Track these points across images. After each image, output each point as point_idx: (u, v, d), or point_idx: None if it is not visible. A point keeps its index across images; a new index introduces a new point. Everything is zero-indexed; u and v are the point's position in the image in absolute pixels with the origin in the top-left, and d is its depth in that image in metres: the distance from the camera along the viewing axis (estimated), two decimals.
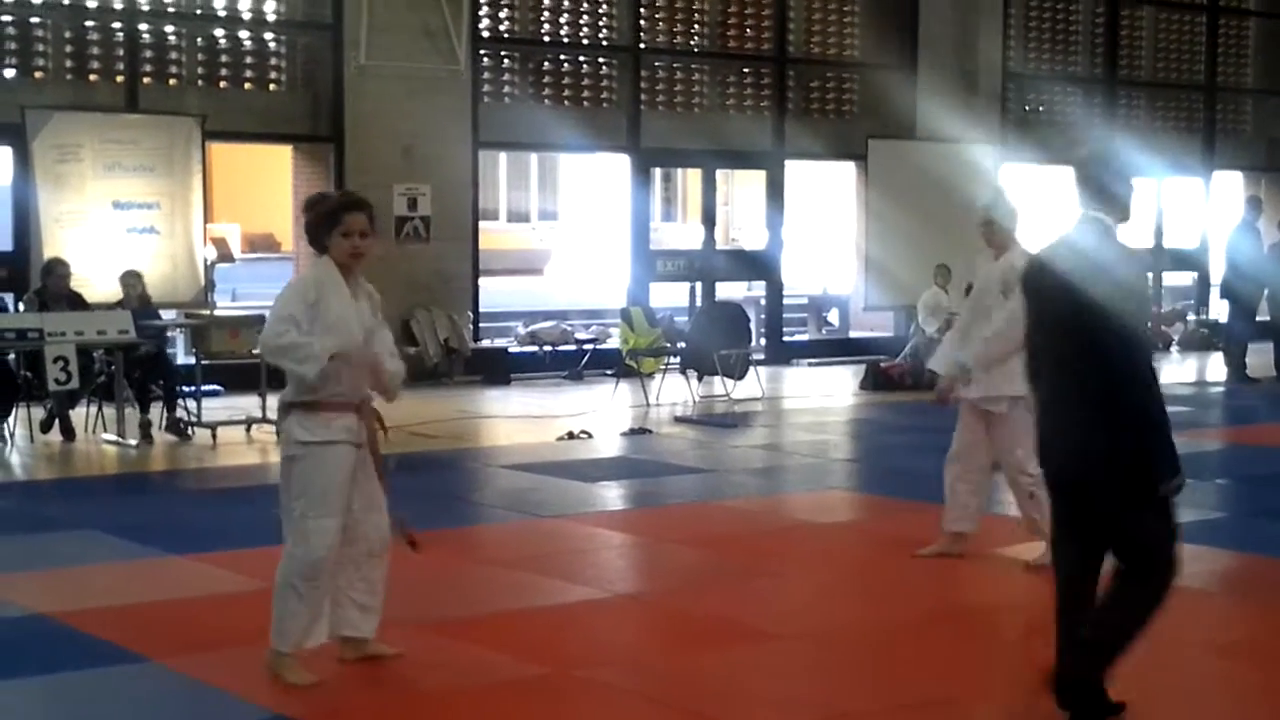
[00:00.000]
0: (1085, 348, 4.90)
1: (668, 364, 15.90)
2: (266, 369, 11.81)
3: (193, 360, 12.90)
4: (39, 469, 11.14)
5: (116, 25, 15.03)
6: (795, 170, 19.51)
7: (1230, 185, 22.96)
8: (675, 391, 15.13)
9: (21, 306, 12.68)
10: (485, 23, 16.94)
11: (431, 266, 16.03)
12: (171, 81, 15.42)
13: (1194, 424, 12.97)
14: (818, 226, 22.07)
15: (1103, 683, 4.98)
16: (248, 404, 12.74)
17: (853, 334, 20.20)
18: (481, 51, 16.88)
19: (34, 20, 14.76)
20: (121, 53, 15.06)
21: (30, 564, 7.74)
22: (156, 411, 12.33)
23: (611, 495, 10.07)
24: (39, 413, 12.20)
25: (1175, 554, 5.03)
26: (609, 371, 16.36)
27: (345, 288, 5.62)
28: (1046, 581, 7.48)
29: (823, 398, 15.51)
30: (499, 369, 16.48)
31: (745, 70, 18.94)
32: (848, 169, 19.59)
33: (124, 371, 12.00)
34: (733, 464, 11.33)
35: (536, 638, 6.42)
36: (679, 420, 13.63)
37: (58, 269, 12.50)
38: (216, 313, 14.30)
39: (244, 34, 15.79)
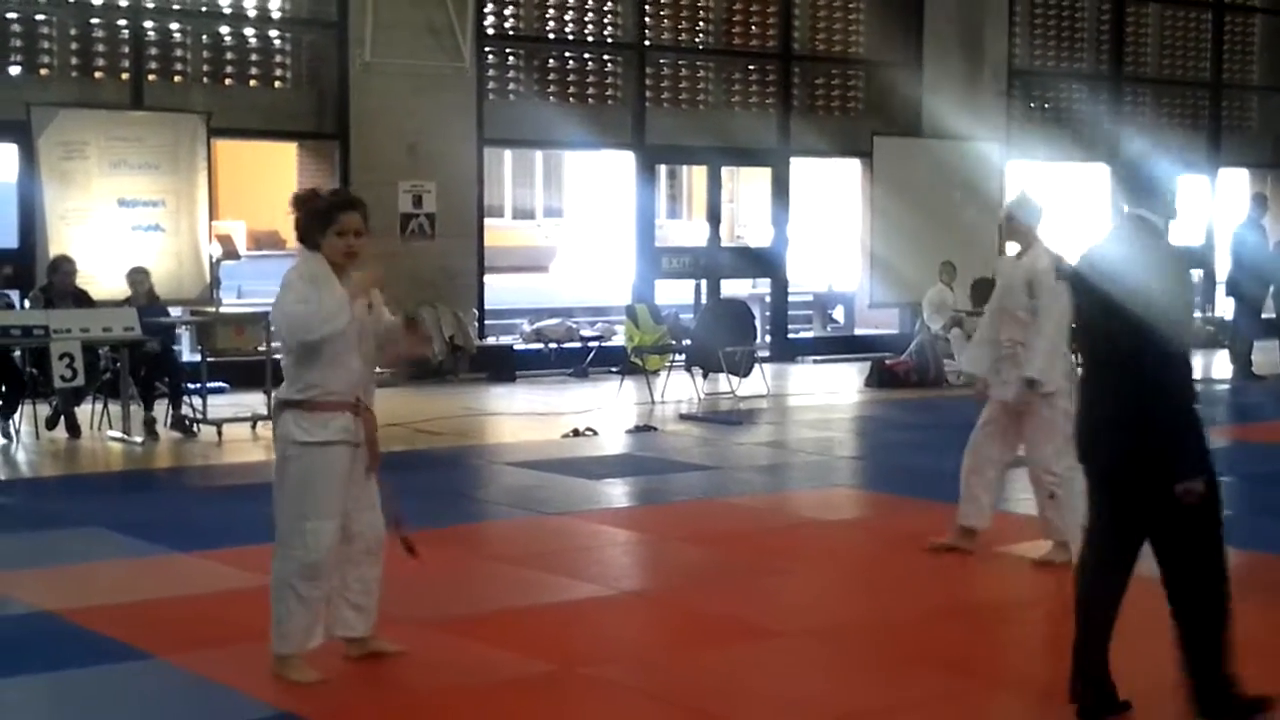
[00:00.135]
0: (1121, 348, 4.93)
1: (673, 361, 15.90)
2: (272, 366, 11.82)
3: (198, 357, 12.91)
4: (44, 466, 11.15)
5: (122, 22, 15.04)
6: (800, 167, 19.49)
7: (1236, 182, 22.93)
8: (680, 389, 15.12)
9: (27, 303, 12.69)
10: (490, 20, 16.93)
11: (436, 263, 16.03)
12: (177, 78, 15.42)
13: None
14: (823, 224, 22.04)
15: (1230, 684, 5.07)
16: (253, 401, 12.75)
17: (858, 331, 20.19)
18: (486, 48, 16.87)
19: (39, 17, 14.77)
20: (127, 50, 15.06)
21: (35, 561, 7.75)
22: (162, 409, 12.34)
23: (616, 492, 10.07)
24: (44, 410, 12.21)
25: (1216, 554, 5.09)
26: (614, 369, 16.36)
27: (338, 284, 5.60)
28: (1053, 578, 7.53)
29: (828, 395, 15.50)
30: (504, 366, 16.48)
31: (750, 67, 18.92)
32: (853, 166, 19.58)
33: (129, 369, 12.00)
34: (738, 461, 11.33)
35: (541, 635, 6.42)
36: (684, 417, 13.63)
37: (63, 266, 12.51)
38: (222, 310, 14.31)
39: (249, 31, 15.80)
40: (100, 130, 14.43)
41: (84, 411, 12.34)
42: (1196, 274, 22.70)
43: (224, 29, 15.65)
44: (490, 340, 17.19)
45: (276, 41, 16.04)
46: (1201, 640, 5.11)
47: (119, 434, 11.94)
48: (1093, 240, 5.32)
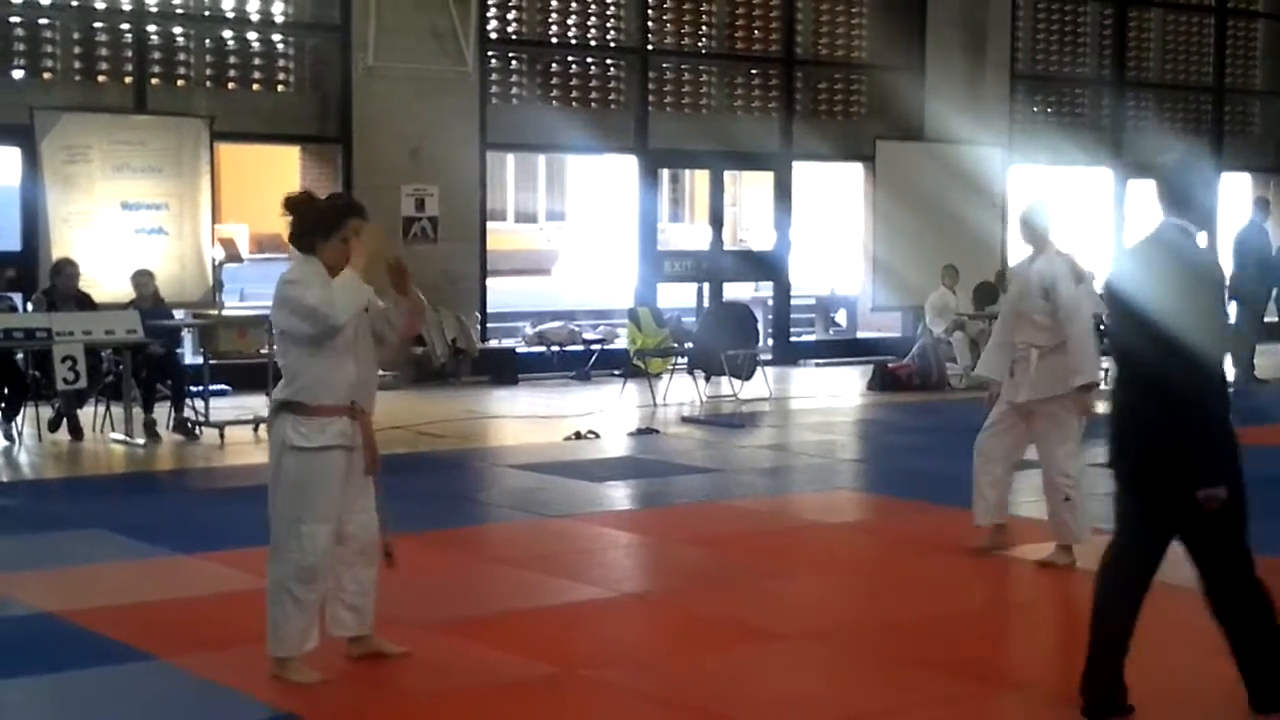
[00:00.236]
0: (1153, 356, 4.96)
1: (675, 364, 15.90)
2: (274, 369, 11.82)
3: (200, 360, 12.92)
4: (47, 468, 11.16)
5: (125, 26, 15.05)
6: (803, 171, 19.49)
7: (1238, 187, 22.92)
8: (682, 392, 15.13)
9: (30, 306, 12.70)
10: (493, 24, 16.94)
11: (439, 267, 16.03)
12: (180, 82, 15.44)
13: None
14: (825, 227, 22.05)
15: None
16: (255, 404, 12.75)
17: (860, 335, 20.18)
18: (489, 53, 16.88)
19: (43, 21, 14.78)
20: (130, 54, 15.07)
21: (38, 563, 7.76)
22: (164, 411, 12.35)
23: (618, 495, 10.08)
24: (47, 412, 12.23)
25: (1242, 558, 5.17)
26: (616, 372, 16.36)
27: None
28: (1056, 581, 7.53)
29: (830, 398, 15.50)
30: (507, 369, 16.49)
31: (753, 71, 18.93)
32: (855, 170, 19.58)
33: (131, 371, 12.01)
34: (740, 464, 11.33)
35: (543, 637, 6.42)
36: (686, 420, 13.63)
37: (66, 269, 12.53)
38: (224, 313, 14.32)
39: (252, 35, 15.81)
40: (103, 134, 14.44)
41: (86, 414, 12.35)
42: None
43: (227, 33, 15.66)
44: (493, 343, 17.21)
45: (279, 45, 16.06)
46: (1247, 639, 5.15)
47: (121, 436, 11.95)
48: (1127, 247, 5.35)
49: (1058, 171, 20.94)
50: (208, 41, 15.55)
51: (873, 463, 11.69)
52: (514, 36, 17.21)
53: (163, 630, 6.40)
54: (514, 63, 17.31)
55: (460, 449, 11.91)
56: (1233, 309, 17.58)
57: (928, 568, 7.84)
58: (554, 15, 17.39)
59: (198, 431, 12.26)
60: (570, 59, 17.64)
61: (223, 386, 13.93)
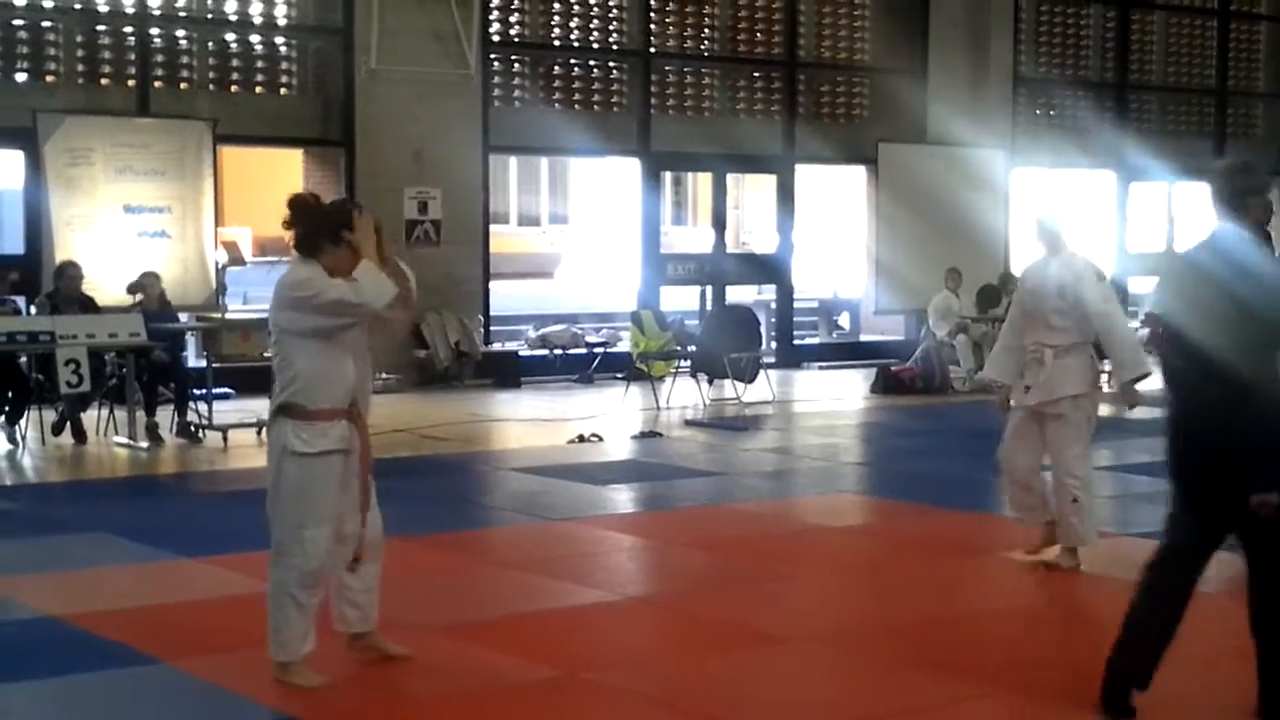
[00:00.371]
0: (1211, 361, 4.95)
1: (678, 367, 15.90)
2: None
3: (203, 363, 12.92)
4: (50, 471, 11.16)
5: (128, 29, 15.06)
6: (805, 174, 19.50)
7: None
8: (685, 395, 15.13)
9: (33, 309, 12.70)
10: (495, 27, 16.95)
11: (442, 270, 16.04)
12: (183, 85, 15.45)
13: None
14: (828, 230, 22.06)
15: None
16: (258, 407, 12.71)
17: (863, 337, 20.20)
18: (492, 55, 16.89)
19: (46, 24, 14.79)
20: (133, 57, 15.09)
21: (41, 566, 7.76)
22: (167, 414, 12.36)
23: (622, 498, 10.07)
24: (50, 415, 12.23)
25: None
26: (619, 375, 16.37)
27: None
28: (1060, 583, 7.52)
29: (833, 401, 15.50)
30: (509, 372, 16.50)
31: (756, 74, 18.94)
32: (858, 173, 19.59)
33: (134, 374, 12.02)
34: (743, 467, 11.33)
35: (546, 640, 6.42)
36: (689, 423, 13.63)
37: (69, 271, 12.54)
38: (228, 316, 14.33)
39: (255, 38, 15.82)
40: (106, 137, 14.46)
41: (89, 417, 12.35)
42: None
43: (230, 36, 15.68)
44: (495, 346, 17.21)
45: (282, 48, 16.06)
46: (1277, 649, 5.14)
47: (124, 439, 11.95)
48: (1180, 251, 5.34)
49: (1060, 174, 20.94)
50: (210, 44, 15.56)
51: (876, 466, 11.69)
52: (516, 39, 17.21)
53: (166, 634, 6.40)
54: (516, 65, 17.32)
55: (463, 452, 11.91)
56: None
57: (931, 571, 7.83)
58: (556, 18, 17.40)
59: (201, 435, 12.26)
60: (573, 61, 17.65)
61: (226, 390, 13.93)
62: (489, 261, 17.04)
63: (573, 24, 17.53)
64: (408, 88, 15.92)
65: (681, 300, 18.87)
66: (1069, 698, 5.67)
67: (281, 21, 15.98)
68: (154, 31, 15.22)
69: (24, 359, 12.00)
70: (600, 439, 12.39)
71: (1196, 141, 22.40)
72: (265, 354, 12.51)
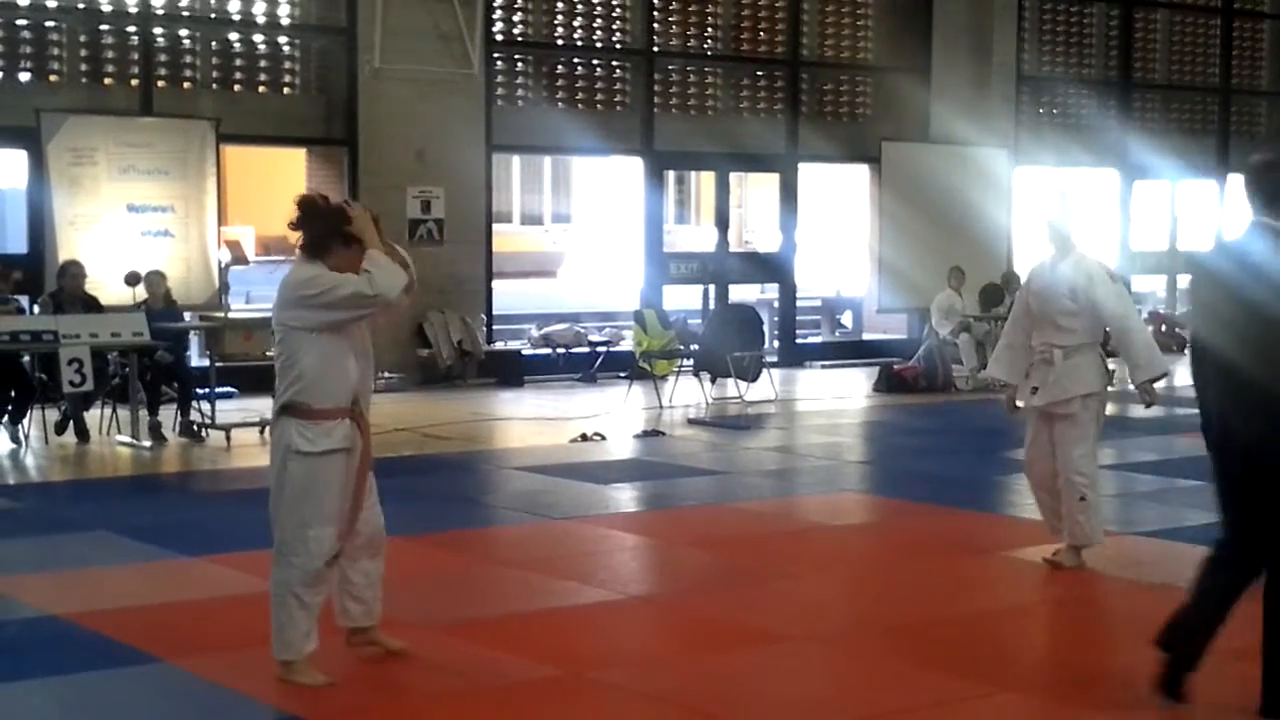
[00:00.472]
0: (1251, 353, 4.94)
1: (681, 366, 15.90)
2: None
3: (207, 362, 12.93)
4: (53, 471, 11.17)
5: (131, 29, 15.07)
6: (808, 173, 19.51)
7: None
8: (688, 394, 15.13)
9: (37, 309, 12.71)
10: (499, 26, 16.95)
11: (445, 269, 16.05)
12: (186, 85, 15.46)
13: None
14: (831, 229, 22.06)
15: None
16: (261, 406, 12.73)
17: (866, 336, 20.20)
18: (495, 55, 16.89)
19: (49, 24, 14.80)
20: (136, 56, 15.10)
21: (44, 565, 7.76)
22: (170, 414, 12.37)
23: (624, 497, 10.07)
24: (54, 414, 12.24)
25: None
26: (622, 374, 16.37)
27: None
28: (1063, 581, 7.52)
29: (836, 400, 15.50)
30: (512, 371, 16.50)
31: (759, 73, 18.94)
32: (861, 172, 19.59)
33: (138, 373, 12.03)
34: (746, 466, 11.33)
35: (549, 639, 6.42)
36: (692, 422, 13.63)
37: (71, 270, 12.55)
38: (230, 315, 14.32)
39: (258, 38, 15.83)
40: (109, 136, 14.47)
41: (93, 416, 12.36)
42: None
43: (233, 35, 15.68)
44: (498, 345, 17.22)
45: (285, 48, 16.07)
46: None
47: (128, 439, 11.96)
48: (1216, 246, 5.35)
49: (1063, 173, 20.93)
50: (213, 44, 15.57)
51: (878, 465, 11.69)
52: (519, 38, 17.21)
53: (168, 633, 6.40)
54: (519, 64, 17.31)
55: (466, 451, 11.91)
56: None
57: (934, 570, 7.83)
58: (559, 17, 17.40)
59: (204, 434, 12.27)
60: (576, 61, 17.65)
61: (229, 389, 13.93)
62: (492, 260, 17.04)
63: (576, 23, 17.53)
64: (411, 87, 15.92)
65: (684, 299, 18.87)
66: (1072, 697, 5.67)
67: (285, 21, 15.98)
68: (157, 31, 15.22)
69: (27, 358, 12.00)
70: (603, 438, 12.39)
71: (1200, 140, 22.40)
72: (268, 353, 12.51)
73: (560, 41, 17.50)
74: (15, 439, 11.81)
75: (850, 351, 19.50)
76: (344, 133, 15.99)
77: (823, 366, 18.79)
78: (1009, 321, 8.09)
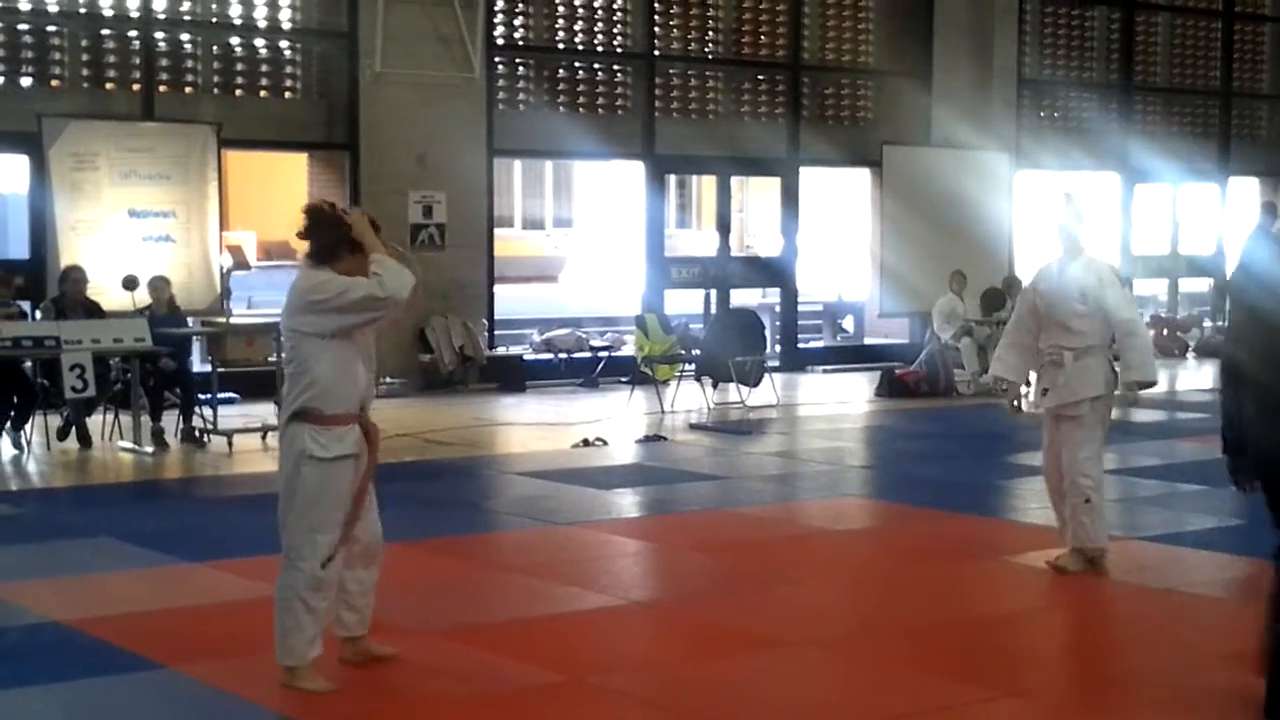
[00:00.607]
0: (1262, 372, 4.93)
1: (682, 371, 15.89)
2: (281, 377, 11.82)
3: (209, 368, 12.93)
4: (55, 476, 11.17)
5: (133, 34, 15.08)
6: (810, 177, 19.50)
7: (1246, 191, 22.90)
8: (690, 398, 15.12)
9: (39, 314, 12.72)
10: (500, 30, 16.96)
11: (446, 274, 16.05)
12: (187, 90, 15.47)
13: (1209, 430, 12.90)
14: (832, 233, 22.05)
15: None
16: (263, 411, 12.75)
17: (868, 341, 20.18)
18: (496, 59, 16.90)
19: (50, 29, 14.81)
20: (138, 61, 15.10)
21: (46, 571, 7.77)
22: (172, 419, 12.37)
23: (626, 502, 10.07)
24: (55, 420, 12.24)
25: None
26: (624, 379, 16.36)
27: None
28: (1067, 586, 7.51)
29: (838, 405, 15.49)
30: (514, 376, 16.49)
31: (760, 77, 18.94)
32: (862, 175, 19.58)
33: (140, 379, 12.03)
34: (747, 471, 11.32)
35: (551, 645, 6.42)
36: (694, 427, 13.62)
37: (73, 274, 12.56)
38: (232, 320, 14.32)
39: (259, 42, 15.83)
40: (111, 141, 14.47)
41: (95, 422, 12.35)
42: (1207, 283, 22.70)
43: (234, 40, 15.69)
44: (500, 350, 17.21)
45: (287, 52, 16.07)
46: None
47: (130, 444, 11.96)
48: (1254, 247, 5.33)
49: (1065, 176, 20.92)
50: (215, 48, 15.58)
51: (880, 469, 11.68)
52: (521, 42, 17.22)
53: (171, 639, 6.40)
54: (521, 68, 17.32)
55: (468, 456, 11.91)
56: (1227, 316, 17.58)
57: (936, 574, 7.82)
58: (561, 21, 17.40)
59: (206, 440, 12.27)
60: (577, 65, 17.65)
61: (231, 395, 13.93)
62: (493, 265, 17.04)
63: (577, 27, 17.54)
64: (412, 91, 15.93)
65: (686, 304, 18.86)
66: (1076, 702, 5.67)
67: (286, 25, 15.98)
68: (158, 36, 15.23)
69: (29, 364, 12.01)
70: (605, 443, 12.39)
71: (1201, 143, 22.39)
72: (270, 359, 12.60)
73: (561, 45, 17.50)
74: (17, 445, 11.80)
75: (852, 356, 19.50)
76: (345, 137, 16.00)
77: (824, 371, 18.78)
78: (1012, 321, 8.08)
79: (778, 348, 18.72)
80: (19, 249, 14.93)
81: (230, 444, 12.03)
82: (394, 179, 15.85)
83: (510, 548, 8.71)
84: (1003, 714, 5.65)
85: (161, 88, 15.23)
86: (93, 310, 12.42)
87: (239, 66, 15.75)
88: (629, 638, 6.76)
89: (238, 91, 15.76)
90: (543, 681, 5.89)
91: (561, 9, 17.37)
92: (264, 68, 15.89)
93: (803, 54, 19.01)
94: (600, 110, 17.77)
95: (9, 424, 11.83)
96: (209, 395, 12.47)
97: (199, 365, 13.73)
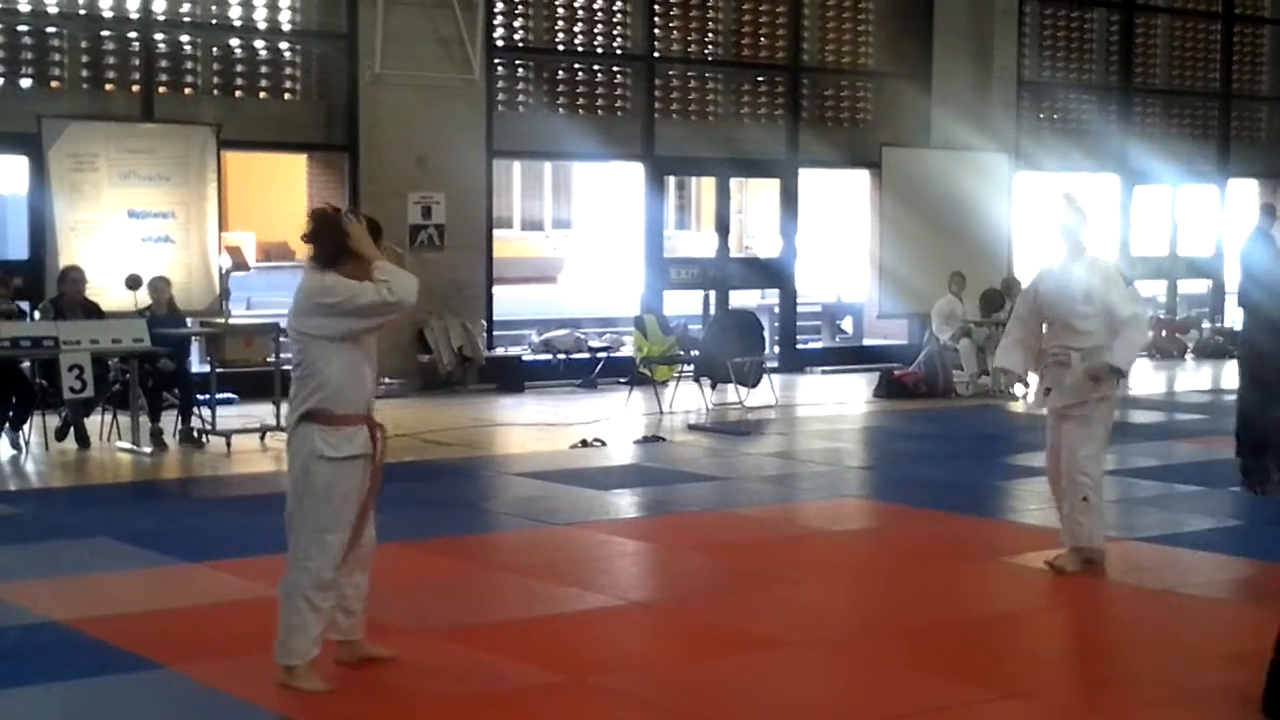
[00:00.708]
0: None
1: (681, 372, 15.89)
2: (281, 377, 11.83)
3: (207, 368, 12.93)
4: (54, 477, 11.17)
5: (132, 35, 15.08)
6: (809, 178, 19.50)
7: (1245, 192, 22.91)
8: (689, 399, 15.13)
9: (37, 315, 12.72)
10: (500, 31, 16.96)
11: (445, 275, 16.05)
12: (187, 91, 15.47)
13: (1209, 431, 12.95)
14: (831, 234, 22.05)
15: None
16: (262, 412, 12.76)
17: (866, 342, 20.19)
18: (496, 60, 16.90)
19: (50, 30, 14.81)
20: (137, 62, 15.10)
21: (44, 571, 7.77)
22: (170, 420, 12.37)
23: (625, 503, 10.07)
24: (54, 421, 12.24)
25: None
26: (622, 379, 16.36)
27: None
28: (1066, 587, 7.51)
29: (836, 405, 15.49)
30: (513, 377, 16.49)
31: (759, 79, 18.94)
32: (862, 177, 19.59)
33: (138, 380, 12.03)
34: (746, 472, 11.32)
35: (549, 645, 6.42)
36: (692, 428, 13.62)
37: (72, 275, 12.56)
38: (231, 321, 14.32)
39: (259, 43, 15.83)
40: (110, 142, 14.47)
41: (93, 422, 12.35)
42: (1205, 284, 22.71)
43: (234, 41, 15.69)
44: (499, 351, 17.21)
45: (286, 54, 16.08)
46: None
47: (128, 445, 11.96)
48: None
49: (1064, 178, 20.92)
50: (214, 50, 15.58)
51: (879, 470, 11.68)
52: (520, 44, 17.22)
53: (169, 639, 6.40)
54: (520, 70, 17.32)
55: (466, 457, 11.91)
56: (1240, 316, 17.58)
57: (935, 575, 7.83)
58: (560, 22, 17.40)
59: (204, 440, 12.27)
60: (577, 66, 17.66)
61: (229, 395, 13.93)
62: (492, 266, 17.04)
63: (576, 28, 17.54)
64: (411, 93, 15.93)
65: (685, 305, 18.87)
66: (1075, 701, 5.67)
67: (285, 27, 15.98)
68: (158, 37, 15.23)
69: (28, 364, 12.01)
70: (603, 444, 12.39)
71: (1201, 145, 22.40)
72: (269, 359, 12.60)
73: (561, 47, 17.51)
74: (16, 445, 11.80)
75: (851, 357, 19.50)
76: (345, 138, 16.00)
77: (823, 372, 18.78)
78: (1013, 319, 8.07)
79: (776, 349, 18.72)
80: (18, 250, 14.93)
81: (228, 444, 12.03)
82: (393, 180, 15.85)
83: (509, 548, 8.71)
84: (1002, 714, 5.65)
85: (161, 89, 15.23)
86: (91, 311, 12.42)
87: (239, 68, 15.75)
88: (628, 638, 6.76)
89: (237, 93, 15.76)
90: (541, 682, 5.89)
91: (561, 11, 17.37)
92: (263, 69, 15.89)
93: (802, 55, 19.01)
94: (600, 112, 17.78)
95: (7, 424, 11.83)
96: (207, 396, 12.47)
97: (197, 366, 13.73)
